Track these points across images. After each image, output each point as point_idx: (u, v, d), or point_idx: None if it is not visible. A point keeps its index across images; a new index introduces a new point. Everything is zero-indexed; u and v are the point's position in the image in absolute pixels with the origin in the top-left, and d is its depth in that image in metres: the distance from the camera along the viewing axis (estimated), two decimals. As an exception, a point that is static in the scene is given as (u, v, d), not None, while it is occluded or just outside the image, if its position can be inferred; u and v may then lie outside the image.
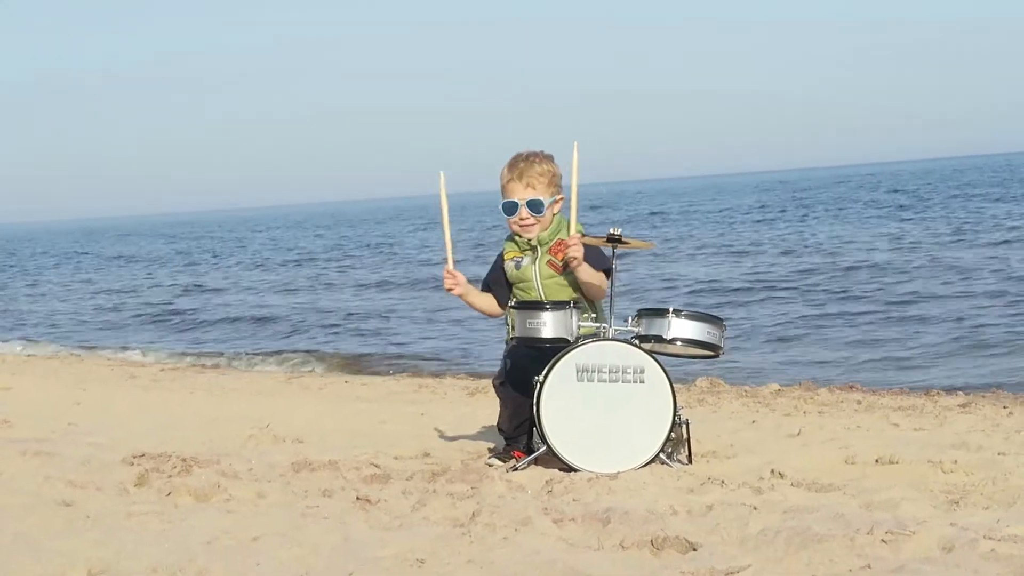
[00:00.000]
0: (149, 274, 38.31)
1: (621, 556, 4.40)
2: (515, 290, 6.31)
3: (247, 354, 16.29)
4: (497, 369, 6.44)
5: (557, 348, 5.90)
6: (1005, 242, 25.40)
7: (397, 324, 19.04)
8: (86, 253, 60.84)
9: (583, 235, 6.05)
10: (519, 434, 6.31)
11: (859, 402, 8.83)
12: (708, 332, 6.09)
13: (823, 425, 7.49)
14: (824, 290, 19.35)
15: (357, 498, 5.33)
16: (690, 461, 6.09)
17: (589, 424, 5.82)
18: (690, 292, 20.59)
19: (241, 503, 5.31)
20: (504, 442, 6.41)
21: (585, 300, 6.19)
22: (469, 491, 5.44)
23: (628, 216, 56.49)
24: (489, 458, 6.40)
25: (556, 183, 6.23)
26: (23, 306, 28.40)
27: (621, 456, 5.79)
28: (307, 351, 16.18)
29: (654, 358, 5.86)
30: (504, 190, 6.25)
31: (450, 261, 6.24)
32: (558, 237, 6.20)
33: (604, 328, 5.97)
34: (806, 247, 28.27)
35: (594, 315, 6.17)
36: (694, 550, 4.38)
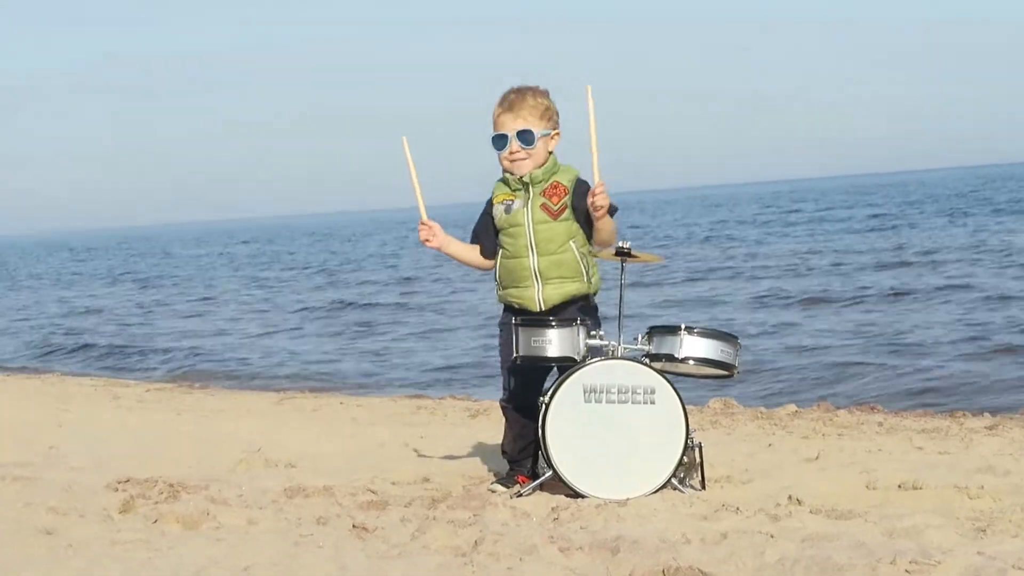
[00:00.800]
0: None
1: (631, 587, 4.34)
2: (502, 237, 6.04)
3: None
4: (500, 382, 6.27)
5: (563, 367, 5.79)
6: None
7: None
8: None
9: (577, 182, 5.91)
10: (523, 458, 6.20)
11: (880, 424, 8.71)
12: (722, 351, 5.98)
13: (843, 448, 7.39)
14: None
15: (353, 526, 5.26)
16: (703, 486, 6.00)
17: (597, 447, 5.71)
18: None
19: (231, 531, 5.25)
20: (508, 466, 6.30)
21: (577, 253, 5.93)
22: (471, 518, 5.37)
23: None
24: (492, 483, 6.28)
25: (551, 118, 6.02)
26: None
27: (631, 481, 5.69)
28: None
29: (665, 378, 5.76)
30: (494, 124, 6.04)
31: (423, 212, 6.02)
32: (554, 179, 5.97)
33: (612, 346, 5.83)
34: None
35: (589, 275, 5.97)
36: (708, 581, 4.32)
